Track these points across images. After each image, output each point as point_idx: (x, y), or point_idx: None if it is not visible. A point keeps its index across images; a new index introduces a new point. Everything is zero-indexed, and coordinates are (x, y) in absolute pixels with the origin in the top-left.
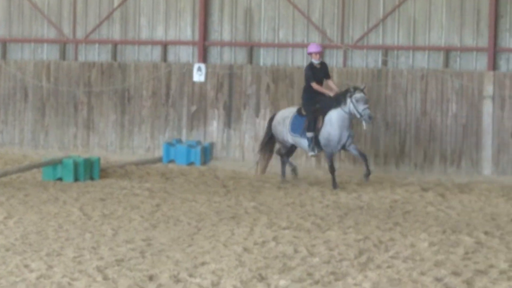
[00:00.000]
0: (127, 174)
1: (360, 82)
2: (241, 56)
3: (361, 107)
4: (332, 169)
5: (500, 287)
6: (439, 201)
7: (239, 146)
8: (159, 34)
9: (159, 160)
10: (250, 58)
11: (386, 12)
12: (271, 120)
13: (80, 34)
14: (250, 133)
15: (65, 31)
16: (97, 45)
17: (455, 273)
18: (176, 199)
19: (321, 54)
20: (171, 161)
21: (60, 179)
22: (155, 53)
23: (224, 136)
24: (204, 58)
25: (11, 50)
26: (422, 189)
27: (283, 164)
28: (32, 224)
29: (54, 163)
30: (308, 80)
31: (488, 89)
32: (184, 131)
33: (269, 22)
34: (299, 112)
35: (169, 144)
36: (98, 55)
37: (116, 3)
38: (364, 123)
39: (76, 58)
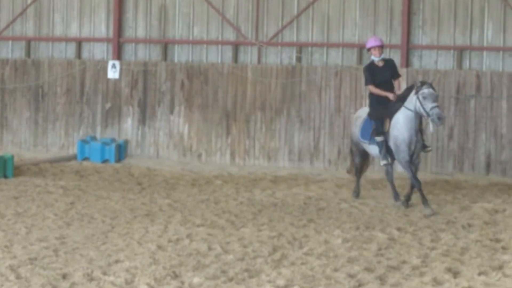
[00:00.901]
0: (41, 172)
1: (274, 79)
2: (155, 53)
3: (428, 105)
4: (417, 182)
5: (412, 282)
6: (352, 197)
7: (154, 144)
8: (73, 31)
9: (74, 157)
10: (165, 55)
11: (300, 9)
12: None
13: None
14: (164, 130)
15: None
16: (10, 42)
17: (368, 269)
18: (91, 197)
19: (382, 49)
20: (85, 158)
21: None
22: (69, 50)
23: (139, 133)
24: (118, 55)
25: None
26: (336, 186)
27: (357, 181)
28: None
29: None
30: (365, 82)
31: (401, 85)
32: (98, 129)
33: (184, 19)
34: (369, 114)
35: (84, 142)
36: (11, 51)
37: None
38: (431, 125)
39: None
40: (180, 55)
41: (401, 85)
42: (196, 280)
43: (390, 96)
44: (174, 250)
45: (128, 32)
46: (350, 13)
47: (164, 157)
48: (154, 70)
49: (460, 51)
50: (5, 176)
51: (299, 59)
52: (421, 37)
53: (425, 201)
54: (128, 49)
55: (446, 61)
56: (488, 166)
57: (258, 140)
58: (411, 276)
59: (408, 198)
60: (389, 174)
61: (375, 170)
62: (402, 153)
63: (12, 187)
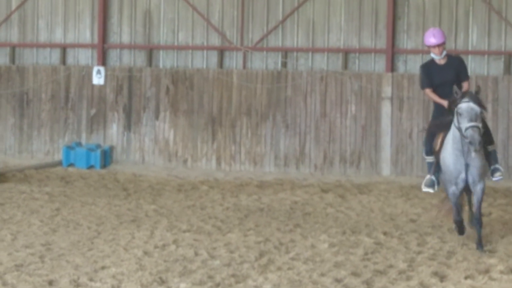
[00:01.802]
0: (26, 178)
1: (260, 84)
2: (140, 58)
3: (464, 124)
4: (457, 221)
5: (399, 287)
6: (338, 202)
7: (139, 149)
8: (58, 36)
9: (59, 163)
10: (150, 60)
11: (285, 14)
12: None
13: None
14: (150, 135)
15: None
16: None
17: (355, 274)
18: (76, 203)
19: (443, 46)
20: (70, 164)
21: None
22: (54, 56)
23: (124, 139)
24: (103, 60)
25: None
26: (322, 191)
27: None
28: None
29: None
30: (420, 85)
31: (387, 90)
32: (83, 135)
33: (169, 24)
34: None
35: (69, 148)
36: None
37: (14, 5)
38: (470, 148)
39: None
40: (165, 60)
41: (469, 89)
42: (182, 286)
43: (445, 103)
44: (160, 256)
45: (113, 38)
46: (335, 18)
47: (149, 162)
48: (139, 76)
49: None
50: None
51: (284, 64)
52: (406, 42)
53: (479, 243)
54: (113, 54)
55: None
56: None
57: (244, 145)
58: (397, 281)
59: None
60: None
61: (361, 176)
62: (449, 183)
63: None
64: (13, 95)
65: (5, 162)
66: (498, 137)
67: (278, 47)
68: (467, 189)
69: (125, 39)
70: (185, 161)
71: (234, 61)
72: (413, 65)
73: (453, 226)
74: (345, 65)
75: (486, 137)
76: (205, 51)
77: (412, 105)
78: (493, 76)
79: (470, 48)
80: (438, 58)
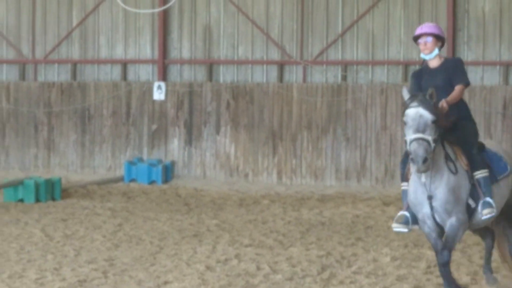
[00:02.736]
0: (88, 194)
1: (320, 98)
2: (200, 73)
3: (409, 135)
4: (440, 268)
5: None
6: None
7: (200, 164)
8: (119, 52)
9: (121, 179)
10: (210, 75)
11: (344, 27)
12: None
13: (39, 54)
14: (211, 150)
15: (24, 51)
16: (56, 65)
17: None
18: (138, 218)
19: (436, 41)
20: (132, 180)
21: (21, 200)
22: (115, 72)
23: (185, 154)
24: (164, 76)
25: None
26: (384, 204)
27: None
28: None
29: (15, 184)
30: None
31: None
32: (145, 150)
33: (229, 39)
34: None
35: (130, 163)
36: (57, 75)
37: (75, 22)
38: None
39: (35, 78)
40: (225, 75)
41: (458, 94)
42: None
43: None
44: (222, 270)
45: (173, 53)
46: (395, 30)
47: (211, 177)
48: (199, 91)
49: (506, 67)
50: (53, 199)
51: (344, 77)
52: (466, 53)
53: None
54: (174, 70)
55: (492, 77)
56: None
57: (304, 159)
58: None
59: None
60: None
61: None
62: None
63: (60, 209)
64: (75, 111)
65: (67, 178)
66: None
67: (338, 61)
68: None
69: (185, 54)
70: (246, 176)
71: (294, 75)
72: (473, 77)
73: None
74: (405, 78)
75: (473, 162)
76: (265, 65)
77: None
78: None
79: None
80: (427, 57)
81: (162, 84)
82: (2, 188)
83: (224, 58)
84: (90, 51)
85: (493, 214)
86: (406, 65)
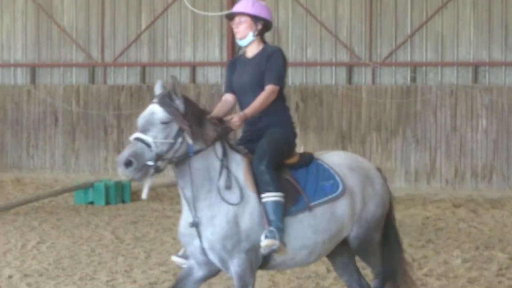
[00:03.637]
0: (158, 196)
1: (389, 100)
2: None
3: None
4: None
5: None
6: (471, 217)
7: None
8: (187, 55)
9: None
10: None
11: (413, 28)
12: None
13: (108, 57)
14: None
15: (94, 54)
16: (125, 68)
17: None
18: None
19: (254, 24)
20: None
21: (91, 202)
22: (184, 75)
23: None
24: None
25: (40, 74)
26: (454, 205)
27: None
28: (64, 249)
29: (86, 187)
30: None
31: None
32: None
33: (297, 41)
34: None
35: None
36: (127, 77)
37: (144, 26)
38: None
39: (105, 81)
40: (294, 77)
41: (264, 101)
42: None
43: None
44: (293, 272)
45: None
46: (465, 31)
47: None
48: None
49: None
50: (123, 201)
51: (413, 78)
52: None
53: None
54: None
55: None
56: None
57: (374, 161)
58: None
59: None
60: None
61: (493, 190)
62: None
63: (130, 212)
64: None
65: None
66: None
67: (407, 62)
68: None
69: None
70: None
71: (363, 76)
72: None
73: None
74: (475, 79)
75: (259, 181)
76: (333, 67)
77: None
78: None
79: None
80: (241, 43)
81: None
82: (72, 191)
83: (292, 60)
84: (159, 54)
85: (275, 247)
86: (476, 66)
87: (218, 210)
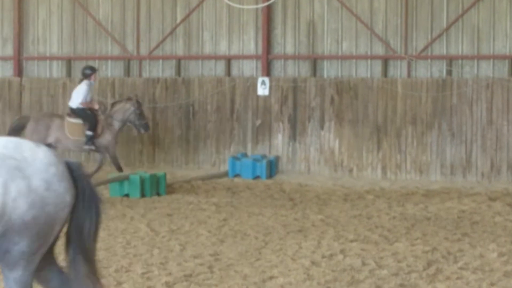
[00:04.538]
0: (193, 189)
1: (425, 93)
2: (304, 69)
3: None
4: None
5: None
6: (507, 211)
7: (305, 159)
8: (223, 48)
9: (225, 174)
10: (314, 70)
11: (449, 21)
12: None
13: (143, 51)
14: (315, 145)
15: (129, 47)
16: (160, 61)
17: None
18: (243, 213)
19: None
20: (237, 175)
21: (127, 195)
22: (219, 68)
23: (290, 149)
24: (267, 71)
25: (76, 67)
26: (490, 199)
27: None
28: (100, 241)
29: (121, 180)
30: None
31: None
32: (249, 145)
33: (332, 34)
34: None
35: (235, 158)
36: (162, 71)
37: (179, 19)
38: None
39: (140, 75)
40: (329, 70)
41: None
42: None
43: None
44: (328, 265)
45: (277, 49)
46: (501, 24)
47: (315, 172)
48: (303, 86)
49: None
50: (158, 194)
51: (449, 72)
52: None
53: None
54: (277, 65)
55: None
56: None
57: (409, 154)
58: None
59: None
60: None
61: None
62: None
63: (165, 204)
64: (179, 107)
65: (172, 173)
66: None
67: (442, 55)
68: None
69: (289, 49)
70: (350, 171)
71: (398, 69)
72: None
73: None
74: (511, 72)
75: None
76: (369, 60)
77: None
78: None
79: None
80: None
81: (266, 79)
82: (108, 184)
83: (328, 54)
84: (194, 47)
85: None
86: None
87: None
